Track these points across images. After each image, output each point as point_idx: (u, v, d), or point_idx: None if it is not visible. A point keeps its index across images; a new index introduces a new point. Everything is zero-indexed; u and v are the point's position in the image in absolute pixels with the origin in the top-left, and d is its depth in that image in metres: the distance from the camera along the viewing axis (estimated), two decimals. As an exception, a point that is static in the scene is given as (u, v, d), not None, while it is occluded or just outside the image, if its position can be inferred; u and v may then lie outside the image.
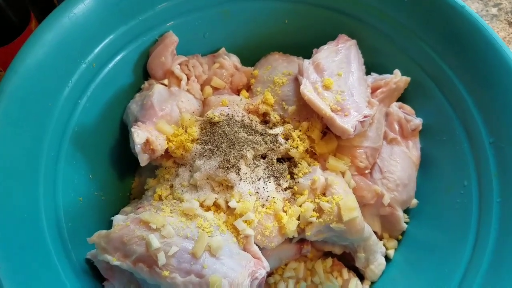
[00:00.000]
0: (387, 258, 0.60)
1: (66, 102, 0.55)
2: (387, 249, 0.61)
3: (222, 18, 0.66)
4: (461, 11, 0.56)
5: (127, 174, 0.65)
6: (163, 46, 0.62)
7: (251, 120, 0.58)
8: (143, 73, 0.65)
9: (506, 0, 0.88)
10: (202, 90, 0.65)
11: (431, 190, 0.61)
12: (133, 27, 0.60)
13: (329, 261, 0.59)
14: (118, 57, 0.61)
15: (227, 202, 0.52)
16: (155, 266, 0.46)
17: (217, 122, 0.57)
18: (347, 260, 0.60)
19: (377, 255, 0.58)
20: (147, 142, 0.54)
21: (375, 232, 0.59)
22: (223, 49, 0.68)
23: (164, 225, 0.47)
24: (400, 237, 0.62)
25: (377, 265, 0.58)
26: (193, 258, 0.46)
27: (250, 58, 0.69)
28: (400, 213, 0.59)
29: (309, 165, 0.57)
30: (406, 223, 0.61)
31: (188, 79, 0.63)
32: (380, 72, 0.65)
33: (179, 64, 0.63)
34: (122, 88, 0.62)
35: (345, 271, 0.58)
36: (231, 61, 0.66)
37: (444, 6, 0.57)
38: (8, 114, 0.49)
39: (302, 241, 0.56)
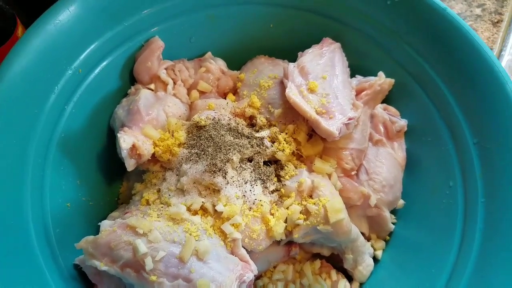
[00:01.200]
0: (375, 259, 0.61)
1: (52, 108, 0.55)
2: (375, 250, 0.61)
3: (208, 22, 0.66)
4: (443, 14, 0.56)
5: (115, 179, 0.65)
6: (149, 51, 0.62)
7: (238, 124, 0.59)
8: (130, 78, 0.65)
9: (490, 0, 0.89)
10: (188, 94, 0.65)
11: (418, 191, 0.61)
12: (119, 33, 0.61)
13: (318, 263, 0.59)
14: (104, 63, 0.61)
15: (214, 205, 0.52)
16: (142, 271, 0.46)
17: (204, 126, 0.57)
18: (336, 262, 0.60)
19: (365, 256, 0.59)
20: (134, 147, 0.54)
21: (362, 233, 0.59)
22: (209, 53, 0.69)
23: (151, 229, 0.47)
24: (387, 237, 0.62)
25: (365, 266, 0.59)
26: (180, 263, 0.46)
27: (236, 62, 0.69)
28: (386, 214, 0.60)
29: (296, 167, 0.58)
30: (394, 223, 0.62)
31: (174, 83, 0.64)
32: (364, 74, 0.65)
33: (165, 68, 0.63)
34: (108, 94, 0.62)
35: (333, 273, 0.58)
36: (217, 65, 0.67)
37: (426, 9, 0.58)
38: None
39: (290, 243, 0.57)
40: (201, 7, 0.65)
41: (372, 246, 0.61)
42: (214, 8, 0.65)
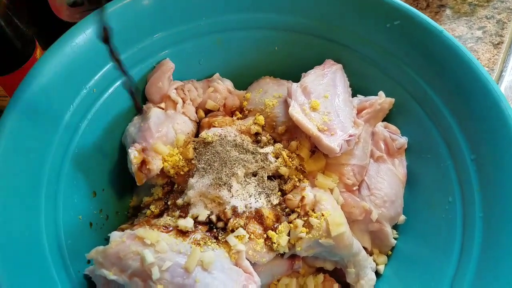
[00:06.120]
0: (377, 273, 0.62)
1: (67, 125, 0.58)
2: (377, 264, 0.62)
3: (216, 45, 0.70)
4: (439, 36, 0.59)
5: (125, 194, 0.67)
6: (160, 72, 0.65)
7: (243, 140, 0.61)
8: (142, 98, 0.68)
9: (490, 23, 0.92)
10: (197, 112, 0.67)
11: (418, 206, 0.62)
12: (132, 55, 0.64)
13: (321, 276, 0.60)
14: (118, 83, 0.64)
15: (219, 218, 0.54)
16: (149, 280, 0.47)
17: (211, 142, 0.59)
18: (339, 276, 0.61)
19: (367, 270, 0.59)
20: (144, 162, 0.56)
21: (365, 248, 0.60)
22: (217, 74, 0.72)
23: (158, 240, 0.49)
24: (390, 252, 0.63)
25: (367, 280, 0.59)
26: (185, 273, 0.47)
27: (243, 82, 0.72)
28: (388, 229, 0.61)
29: (299, 182, 0.60)
30: (395, 238, 0.63)
31: (184, 102, 0.66)
32: (365, 94, 0.67)
33: (175, 88, 0.66)
34: (121, 112, 0.65)
35: (336, 287, 0.59)
36: (224, 85, 0.70)
37: (423, 32, 0.60)
38: (14, 137, 0.52)
39: (293, 257, 0.58)
40: (210, 32, 0.68)
41: (374, 260, 0.62)
42: (221, 32, 0.69)
